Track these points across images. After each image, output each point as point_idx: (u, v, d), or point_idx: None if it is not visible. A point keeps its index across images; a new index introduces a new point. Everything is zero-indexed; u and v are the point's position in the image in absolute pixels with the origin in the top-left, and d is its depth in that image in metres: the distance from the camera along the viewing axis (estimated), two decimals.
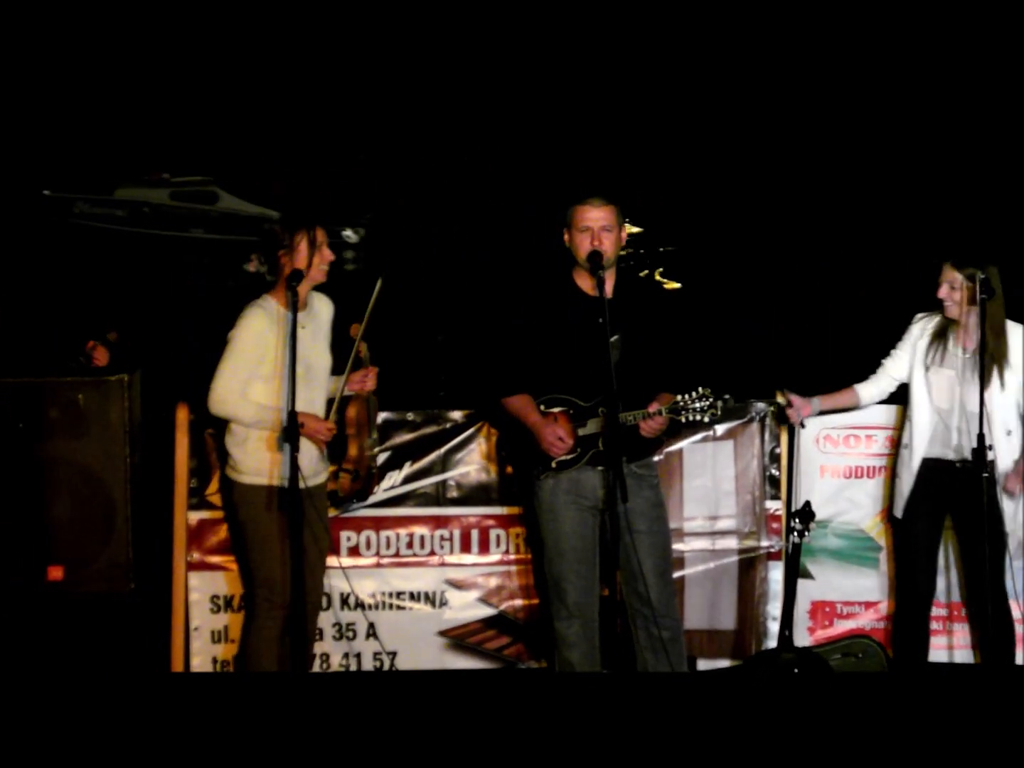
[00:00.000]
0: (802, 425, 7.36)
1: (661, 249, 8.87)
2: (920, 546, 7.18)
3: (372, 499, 7.52)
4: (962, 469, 7.14)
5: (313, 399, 6.93)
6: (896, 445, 7.50)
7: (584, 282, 6.88)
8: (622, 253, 7.05)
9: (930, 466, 7.18)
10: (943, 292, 7.11)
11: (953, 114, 8.57)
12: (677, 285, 8.85)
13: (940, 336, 7.19)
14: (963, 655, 7.75)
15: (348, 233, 8.92)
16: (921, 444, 7.20)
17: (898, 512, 7.30)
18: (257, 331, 6.89)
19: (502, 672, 7.67)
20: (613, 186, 7.05)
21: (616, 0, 8.30)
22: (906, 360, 7.29)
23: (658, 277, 8.83)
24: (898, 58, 8.52)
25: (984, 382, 6.95)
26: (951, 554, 7.62)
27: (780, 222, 8.57)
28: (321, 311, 7.07)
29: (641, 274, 8.79)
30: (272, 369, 6.89)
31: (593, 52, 8.36)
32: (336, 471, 7.16)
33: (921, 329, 7.28)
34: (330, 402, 7.02)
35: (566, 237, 6.89)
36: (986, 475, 6.92)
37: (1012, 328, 7.18)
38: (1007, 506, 7.19)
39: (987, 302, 6.97)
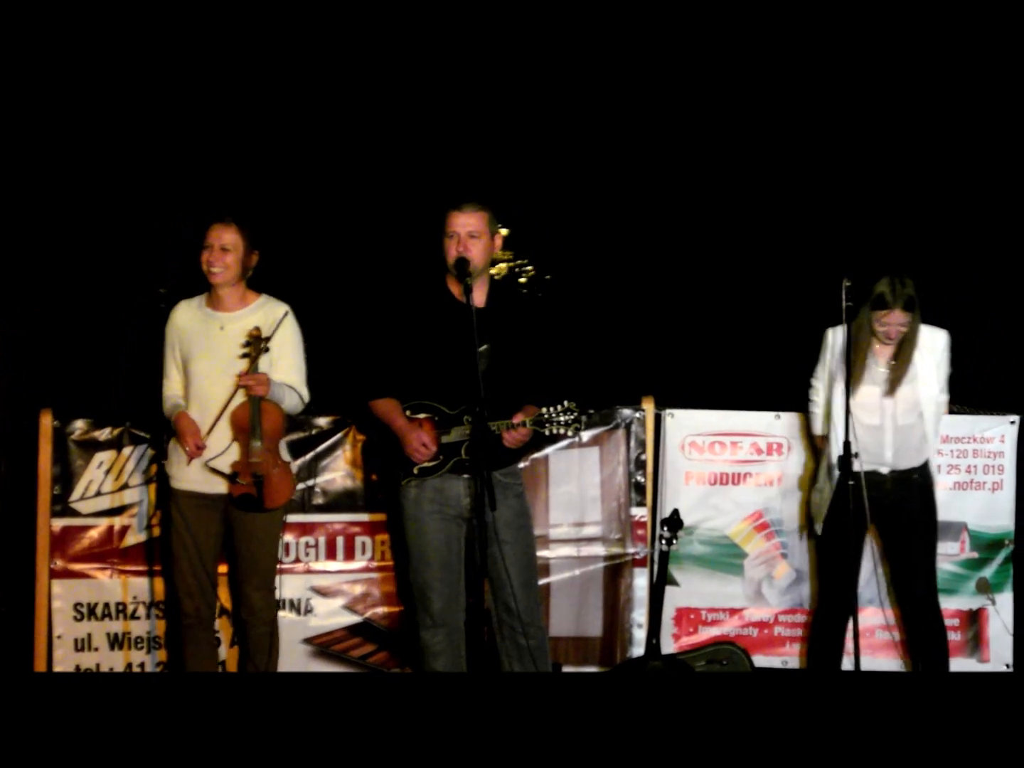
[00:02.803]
0: None
1: (529, 268, 8.87)
2: (847, 560, 7.09)
3: None
4: (894, 479, 7.20)
5: (212, 398, 6.92)
6: (816, 459, 7.50)
7: (456, 289, 6.82)
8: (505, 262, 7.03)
9: (858, 479, 7.07)
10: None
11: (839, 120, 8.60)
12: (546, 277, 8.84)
13: (860, 353, 7.12)
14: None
15: None
16: (834, 459, 7.12)
17: (817, 527, 7.27)
18: (170, 324, 7.04)
19: (367, 676, 7.65)
20: (484, 191, 7.01)
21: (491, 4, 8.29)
22: (827, 380, 7.25)
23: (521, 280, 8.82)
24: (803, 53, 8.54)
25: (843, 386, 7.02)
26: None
27: (651, 224, 8.58)
28: (258, 316, 6.99)
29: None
30: (184, 362, 7.01)
31: (461, 54, 8.32)
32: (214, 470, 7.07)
33: (834, 343, 7.21)
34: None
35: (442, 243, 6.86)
36: (852, 483, 6.97)
37: (932, 334, 7.20)
38: None
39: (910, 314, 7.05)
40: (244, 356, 6.91)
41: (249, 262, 7.01)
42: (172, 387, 7.04)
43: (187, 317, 7.04)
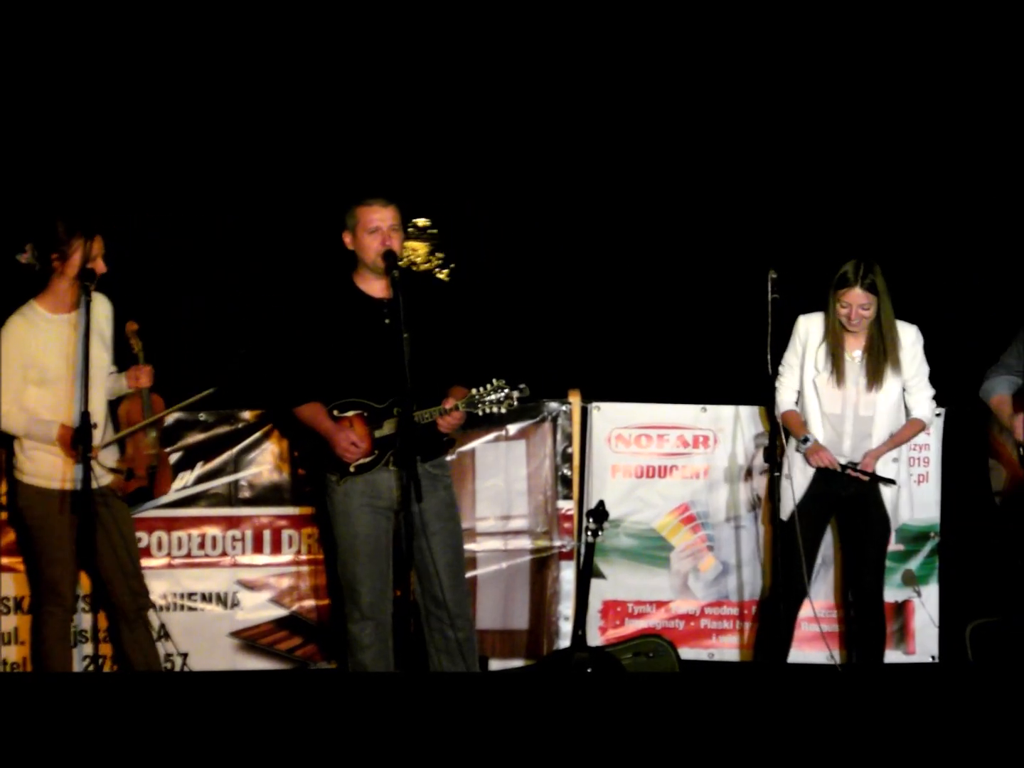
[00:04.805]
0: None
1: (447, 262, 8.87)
2: (800, 550, 7.11)
3: (164, 499, 7.45)
4: (851, 474, 7.16)
5: (89, 398, 6.82)
6: (779, 447, 7.32)
7: (367, 284, 6.83)
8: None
9: (820, 471, 7.13)
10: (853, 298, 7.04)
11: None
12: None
13: (829, 340, 7.15)
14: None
15: None
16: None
17: (783, 515, 7.22)
18: (16, 339, 6.91)
19: (294, 673, 7.67)
20: (397, 183, 7.01)
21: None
22: (797, 367, 7.22)
23: (442, 275, 8.81)
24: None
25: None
26: (745, 550, 7.80)
27: (575, 218, 8.59)
28: (94, 310, 6.96)
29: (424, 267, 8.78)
30: (40, 374, 6.91)
31: (363, 49, 8.32)
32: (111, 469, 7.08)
33: (806, 331, 7.19)
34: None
35: (347, 239, 6.80)
36: (777, 474, 6.97)
37: (905, 329, 7.19)
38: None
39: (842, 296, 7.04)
40: (127, 351, 7.02)
41: None
42: (10, 403, 6.90)
43: (33, 328, 6.92)
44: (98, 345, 6.98)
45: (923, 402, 7.25)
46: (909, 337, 7.19)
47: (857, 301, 7.03)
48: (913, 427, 7.27)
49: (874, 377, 7.13)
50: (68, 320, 6.91)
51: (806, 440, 7.15)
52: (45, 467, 6.95)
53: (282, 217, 8.38)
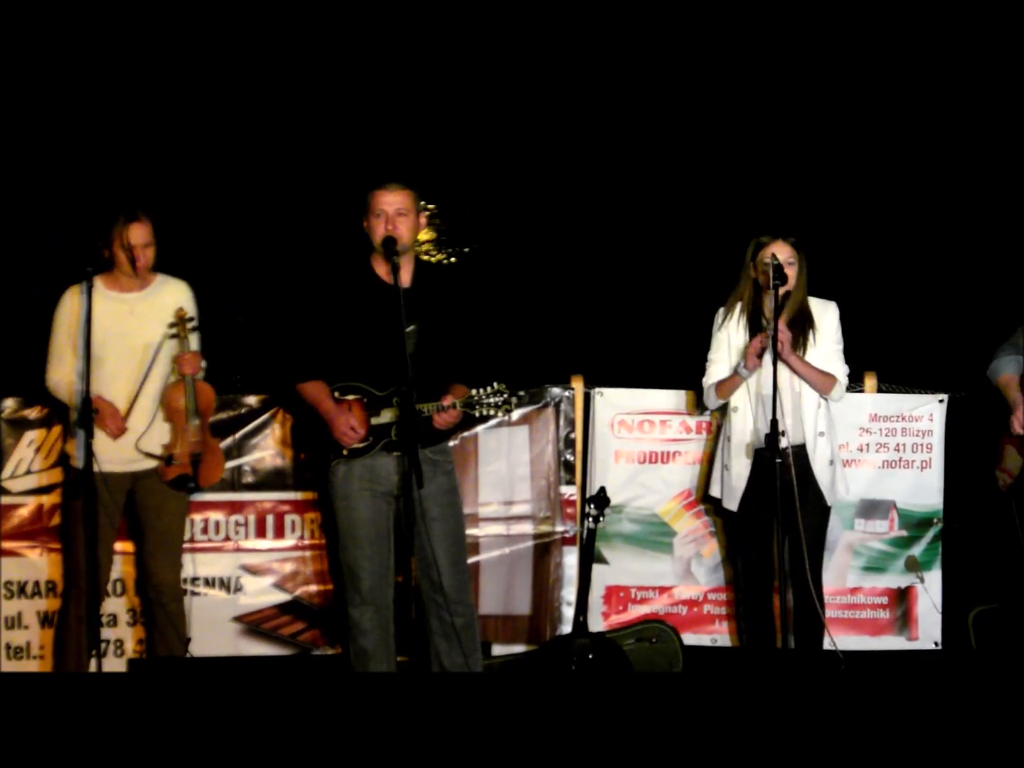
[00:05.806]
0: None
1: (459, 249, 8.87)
2: (758, 536, 7.11)
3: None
4: (794, 454, 7.06)
5: (128, 379, 6.97)
6: (717, 436, 7.46)
7: (382, 269, 6.82)
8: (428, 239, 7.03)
9: (762, 455, 7.03)
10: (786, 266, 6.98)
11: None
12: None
13: (752, 323, 7.14)
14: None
15: None
16: (746, 435, 7.14)
17: (732, 505, 7.21)
18: (67, 309, 7.02)
19: (297, 658, 7.68)
20: (411, 170, 7.02)
21: None
22: (725, 358, 7.20)
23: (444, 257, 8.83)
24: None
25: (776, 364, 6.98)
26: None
27: (578, 205, 8.59)
28: (163, 295, 7.07)
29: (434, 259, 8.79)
30: (77, 349, 6.94)
31: (387, 37, 8.33)
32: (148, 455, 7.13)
33: (726, 319, 7.19)
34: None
35: (365, 224, 6.84)
36: (779, 461, 6.92)
37: (824, 305, 7.18)
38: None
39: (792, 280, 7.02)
40: (173, 337, 7.03)
41: None
42: (68, 372, 7.02)
43: (85, 301, 6.93)
44: (157, 330, 7.04)
45: (836, 369, 7.14)
46: (828, 312, 7.17)
47: (783, 252, 7.00)
48: (828, 375, 7.13)
49: (799, 349, 7.09)
50: (125, 299, 6.99)
51: (738, 365, 7.12)
52: (76, 447, 6.99)
53: (292, 211, 8.43)
